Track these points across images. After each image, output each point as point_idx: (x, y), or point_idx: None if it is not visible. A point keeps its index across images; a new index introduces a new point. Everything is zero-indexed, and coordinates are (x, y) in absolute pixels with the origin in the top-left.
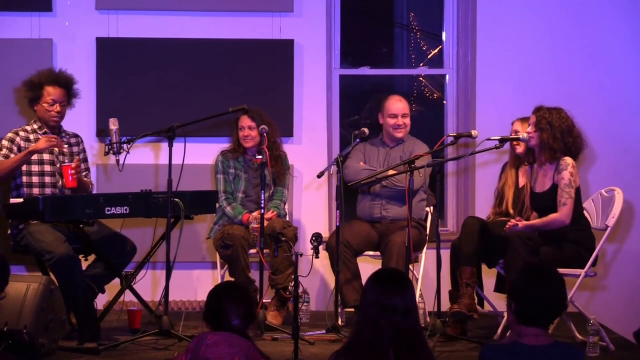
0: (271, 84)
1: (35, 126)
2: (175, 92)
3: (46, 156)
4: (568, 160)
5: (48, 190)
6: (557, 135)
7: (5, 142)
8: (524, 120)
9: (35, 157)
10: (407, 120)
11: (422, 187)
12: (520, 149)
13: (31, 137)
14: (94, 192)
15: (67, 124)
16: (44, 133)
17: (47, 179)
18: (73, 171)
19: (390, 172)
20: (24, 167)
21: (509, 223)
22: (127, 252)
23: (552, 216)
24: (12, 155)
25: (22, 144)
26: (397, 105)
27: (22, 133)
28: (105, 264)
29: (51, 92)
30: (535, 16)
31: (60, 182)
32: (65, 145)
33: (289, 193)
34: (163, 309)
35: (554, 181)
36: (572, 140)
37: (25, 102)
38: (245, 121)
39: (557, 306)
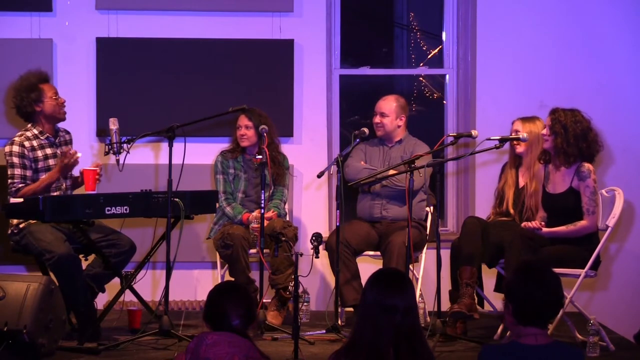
0: (271, 84)
1: (35, 131)
2: (175, 92)
3: (41, 156)
4: (589, 166)
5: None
6: (570, 141)
7: (16, 160)
8: (525, 120)
9: (31, 156)
10: (386, 120)
11: (423, 188)
12: (520, 148)
13: (34, 143)
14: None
15: (68, 124)
16: (47, 138)
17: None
18: (98, 176)
19: (391, 172)
20: (22, 171)
21: (528, 224)
22: (127, 250)
23: (582, 224)
24: (28, 172)
25: (31, 154)
26: (379, 103)
27: (26, 143)
28: (104, 263)
29: (49, 87)
30: (535, 16)
31: (62, 182)
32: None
33: (289, 193)
34: (163, 309)
35: (571, 185)
36: (587, 145)
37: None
38: (243, 120)
39: (553, 304)
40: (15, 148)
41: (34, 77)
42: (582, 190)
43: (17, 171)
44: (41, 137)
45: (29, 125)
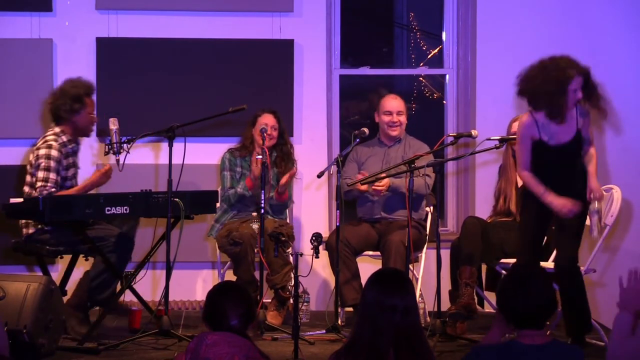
0: (271, 84)
1: (64, 138)
2: (175, 92)
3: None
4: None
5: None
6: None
7: (53, 164)
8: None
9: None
10: (403, 118)
11: (426, 191)
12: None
13: (66, 149)
14: None
15: None
16: (72, 148)
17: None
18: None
19: (384, 180)
20: (56, 176)
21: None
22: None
23: (595, 155)
24: (59, 178)
25: (64, 162)
26: (392, 102)
27: (63, 150)
28: (105, 263)
29: (91, 102)
30: (535, 16)
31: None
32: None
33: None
34: (163, 309)
35: (577, 127)
36: None
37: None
38: (271, 120)
39: (539, 310)
40: (55, 153)
41: (83, 87)
42: (585, 124)
43: (52, 176)
44: (68, 146)
45: (58, 130)
